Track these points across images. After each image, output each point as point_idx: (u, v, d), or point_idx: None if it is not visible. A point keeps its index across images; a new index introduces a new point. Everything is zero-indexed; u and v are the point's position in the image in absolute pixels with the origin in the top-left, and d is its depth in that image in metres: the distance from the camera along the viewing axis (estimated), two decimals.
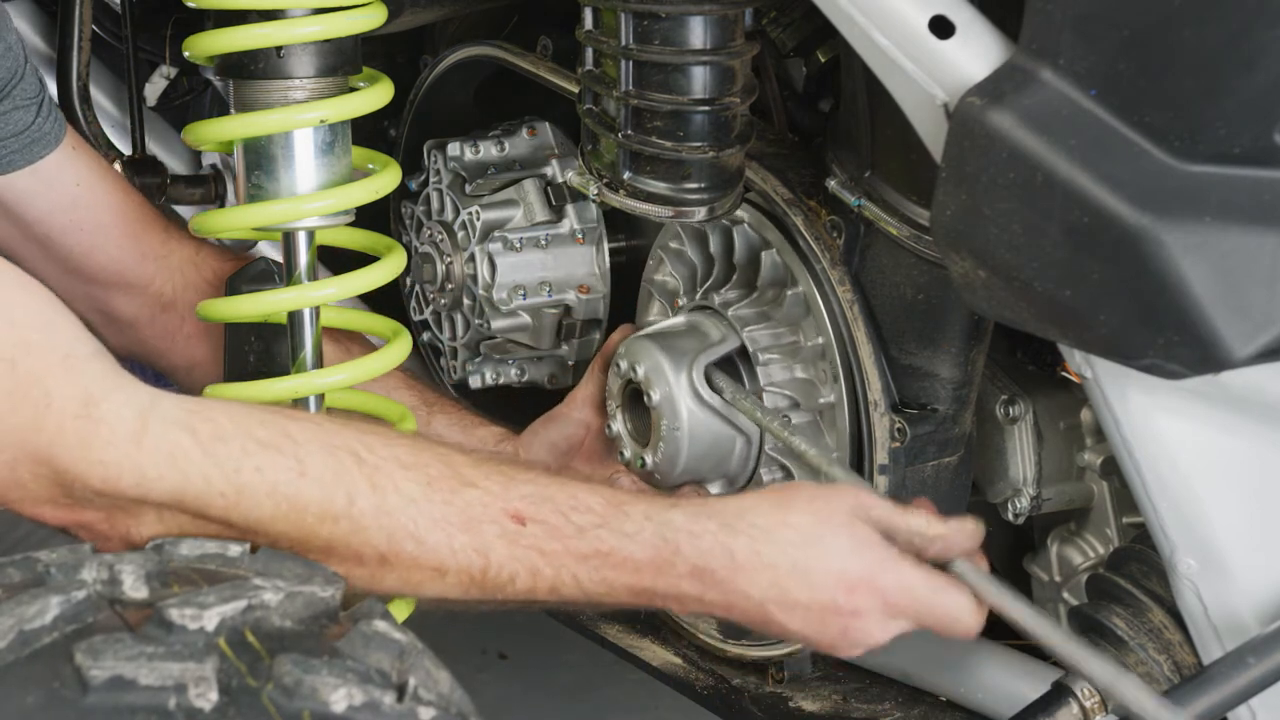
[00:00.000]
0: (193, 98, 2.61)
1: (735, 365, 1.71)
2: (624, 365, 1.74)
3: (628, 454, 1.77)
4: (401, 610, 1.53)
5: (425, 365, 2.19)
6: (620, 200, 1.63)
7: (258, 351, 1.65)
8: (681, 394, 1.69)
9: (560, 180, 1.98)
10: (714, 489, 1.77)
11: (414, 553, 1.25)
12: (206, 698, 0.98)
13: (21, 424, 1.17)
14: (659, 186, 1.60)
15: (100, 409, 1.18)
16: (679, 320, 1.77)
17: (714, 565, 1.30)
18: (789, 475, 1.73)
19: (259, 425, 1.22)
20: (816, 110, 1.83)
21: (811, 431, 1.68)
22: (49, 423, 1.17)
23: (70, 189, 1.72)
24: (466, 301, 1.99)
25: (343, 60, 1.59)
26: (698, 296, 1.76)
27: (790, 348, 1.69)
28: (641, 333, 1.77)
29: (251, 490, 1.20)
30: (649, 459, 1.73)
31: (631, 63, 1.57)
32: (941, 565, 1.37)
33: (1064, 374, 1.68)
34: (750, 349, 1.69)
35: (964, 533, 1.38)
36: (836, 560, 1.31)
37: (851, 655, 1.35)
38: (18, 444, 1.17)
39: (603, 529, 1.29)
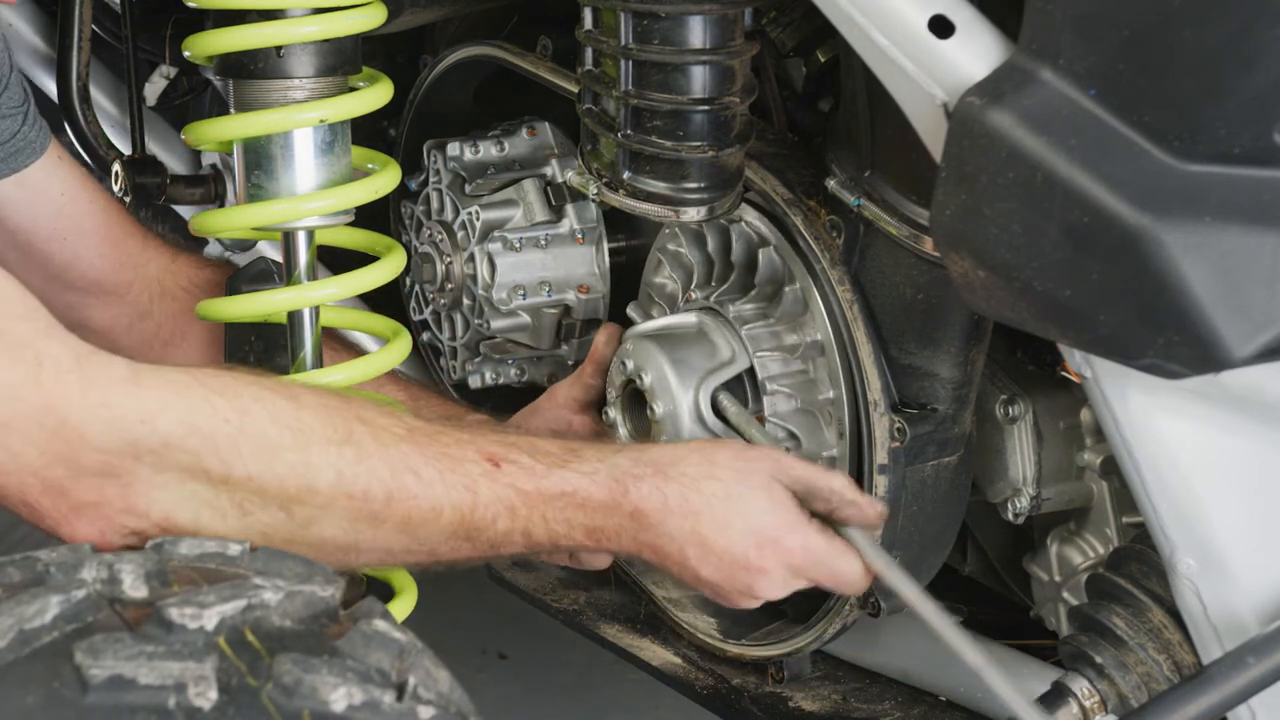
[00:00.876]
0: (193, 98, 2.61)
1: (740, 380, 1.71)
2: (629, 365, 1.74)
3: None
4: (401, 610, 1.53)
5: (425, 365, 2.19)
6: (620, 200, 1.63)
7: (258, 351, 1.65)
8: (685, 413, 1.69)
9: (560, 180, 1.98)
10: None
11: (414, 488, 1.28)
12: (206, 697, 0.98)
13: (17, 380, 1.17)
14: (658, 186, 1.60)
15: (92, 362, 1.20)
16: (688, 321, 1.76)
17: (649, 508, 1.38)
18: None
19: (243, 376, 1.27)
20: (816, 110, 1.83)
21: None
22: (45, 377, 1.17)
23: (55, 198, 1.73)
24: (466, 301, 1.99)
25: (342, 60, 1.59)
26: (711, 299, 1.75)
27: (801, 380, 1.68)
28: (648, 331, 1.76)
29: (255, 417, 1.22)
30: None
31: (631, 62, 1.57)
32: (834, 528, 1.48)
33: (1064, 374, 1.68)
34: (759, 375, 1.69)
35: (874, 508, 1.50)
36: (753, 517, 1.41)
37: (746, 607, 1.47)
38: (12, 400, 1.16)
39: (565, 470, 1.37)
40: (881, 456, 1.62)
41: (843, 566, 1.46)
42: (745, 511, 1.41)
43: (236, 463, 1.22)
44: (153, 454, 1.20)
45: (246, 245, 2.35)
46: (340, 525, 1.28)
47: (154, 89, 2.53)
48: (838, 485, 1.47)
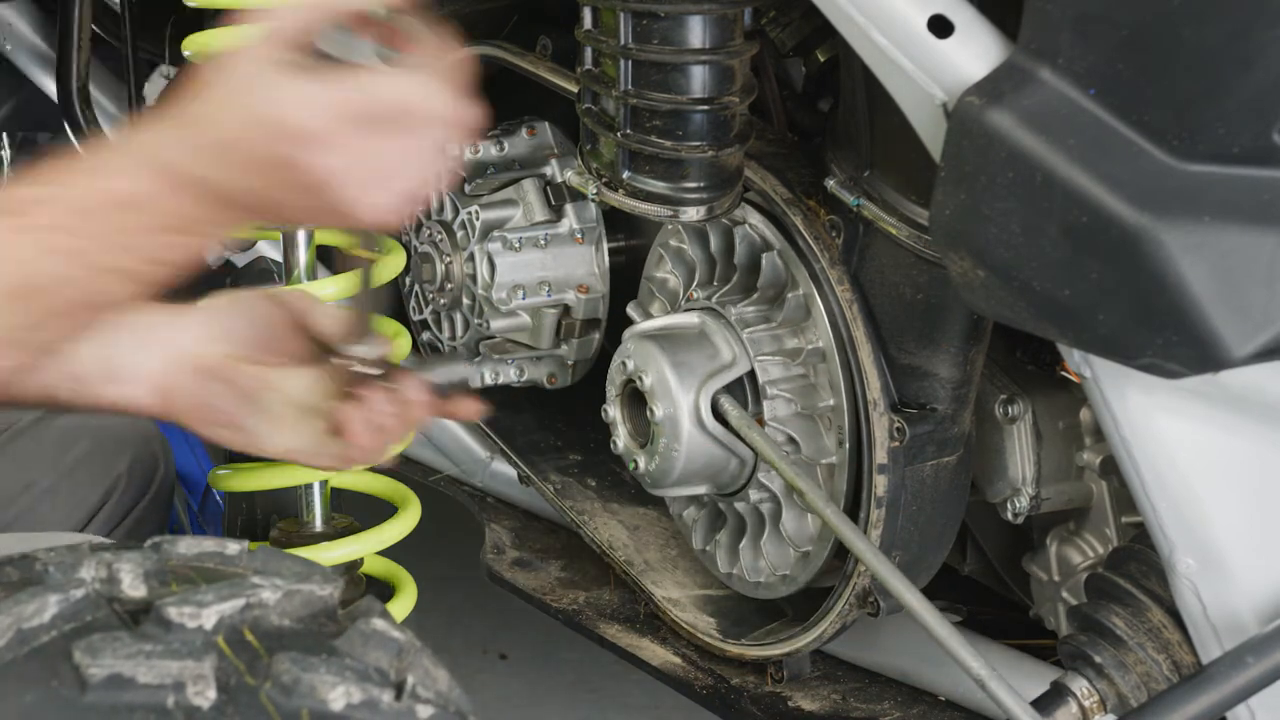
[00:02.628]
0: None
1: (740, 382, 1.72)
2: (630, 365, 1.74)
3: (621, 445, 1.78)
4: (400, 609, 1.54)
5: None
6: (619, 199, 1.63)
7: None
8: (685, 417, 1.69)
9: (559, 180, 1.98)
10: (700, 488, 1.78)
11: None
12: (205, 696, 0.98)
13: None
14: (658, 186, 1.60)
15: None
16: (690, 321, 1.76)
17: (189, 167, 1.16)
18: (776, 502, 1.74)
19: None
20: (816, 110, 1.83)
21: (809, 469, 1.68)
22: None
23: None
24: (466, 301, 1.99)
25: None
26: (713, 299, 1.75)
27: (802, 385, 1.69)
28: (649, 330, 1.76)
29: None
30: (642, 464, 1.74)
31: (631, 62, 1.57)
32: None
33: (1063, 373, 1.68)
34: (760, 379, 1.69)
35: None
36: (236, 114, 1.16)
37: (361, 212, 1.18)
38: None
39: (95, 179, 1.16)
40: (881, 456, 1.62)
41: (381, 86, 1.17)
42: (229, 112, 1.15)
43: None
44: None
45: (246, 245, 2.35)
46: None
47: (154, 89, 2.53)
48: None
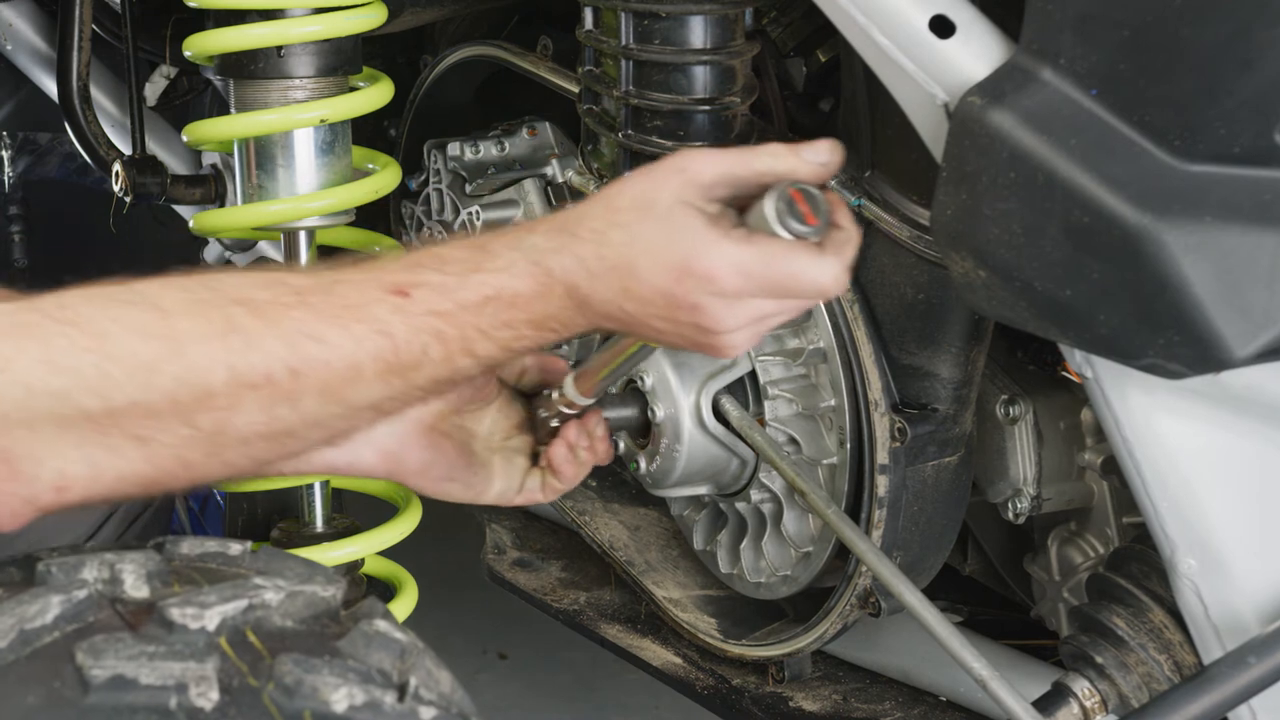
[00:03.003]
0: (193, 98, 2.61)
1: (741, 382, 1.72)
2: None
3: (621, 446, 1.78)
4: (402, 610, 1.54)
5: None
6: None
7: None
8: (686, 418, 1.69)
9: (560, 180, 1.98)
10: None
11: (320, 354, 1.17)
12: (207, 697, 0.98)
13: None
14: None
15: None
16: None
17: (576, 280, 1.23)
18: (777, 503, 1.74)
19: (95, 293, 1.16)
20: (816, 110, 1.83)
21: (810, 469, 1.68)
22: None
23: None
24: None
25: (343, 60, 1.59)
26: None
27: (803, 386, 1.68)
28: None
29: (117, 337, 1.12)
30: (643, 465, 1.74)
31: (632, 62, 1.57)
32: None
33: (1064, 374, 1.68)
34: (761, 379, 1.69)
35: (820, 152, 1.25)
36: (660, 254, 1.22)
37: (726, 352, 1.26)
38: None
39: (479, 273, 1.23)
40: (882, 457, 1.62)
41: (799, 267, 1.21)
42: (650, 251, 1.22)
43: (113, 392, 1.11)
44: (19, 407, 1.10)
45: (247, 245, 2.35)
46: (256, 417, 1.17)
47: (154, 89, 2.53)
48: (762, 164, 1.24)
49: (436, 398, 1.27)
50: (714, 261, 1.20)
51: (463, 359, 1.23)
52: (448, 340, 1.22)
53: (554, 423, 1.49)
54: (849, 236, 1.24)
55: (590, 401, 1.46)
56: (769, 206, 1.20)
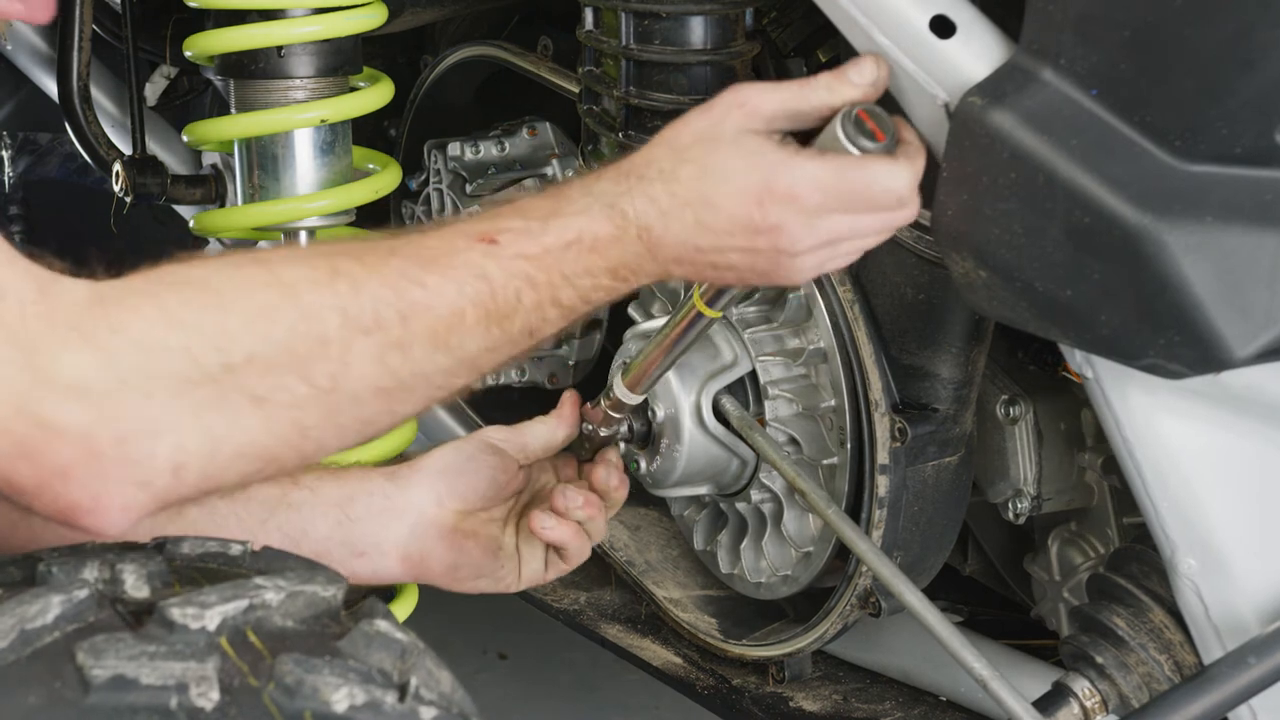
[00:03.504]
0: (193, 98, 2.61)
1: (742, 382, 1.72)
2: None
3: (622, 446, 1.78)
4: (402, 610, 1.54)
5: None
6: None
7: None
8: (686, 418, 1.69)
9: (561, 180, 1.98)
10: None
11: (424, 299, 1.17)
12: (208, 697, 0.98)
13: None
14: None
15: (54, 289, 1.07)
16: None
17: (649, 221, 1.25)
18: (778, 503, 1.74)
19: (204, 261, 1.16)
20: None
21: (810, 469, 1.68)
22: (7, 314, 1.05)
23: None
24: None
25: (343, 60, 1.59)
26: None
27: (803, 386, 1.68)
28: (650, 330, 1.76)
29: (232, 291, 1.11)
30: (643, 465, 1.74)
31: (632, 62, 1.57)
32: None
33: (1065, 374, 1.68)
34: (761, 379, 1.69)
35: (868, 69, 1.28)
36: (734, 180, 1.24)
37: (796, 277, 1.28)
38: None
39: (558, 217, 1.24)
40: (883, 457, 1.62)
41: (874, 175, 1.24)
42: (724, 179, 1.24)
43: (232, 345, 1.09)
44: (136, 370, 1.07)
45: (248, 245, 2.35)
46: (369, 369, 1.15)
47: (154, 89, 2.53)
48: (820, 90, 1.27)
49: (524, 357, 1.27)
50: (795, 177, 1.22)
51: (550, 308, 1.24)
52: (538, 286, 1.22)
53: (603, 432, 1.51)
54: (917, 148, 1.27)
55: (640, 399, 1.50)
56: (839, 128, 1.24)
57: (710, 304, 1.42)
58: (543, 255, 1.22)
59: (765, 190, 1.23)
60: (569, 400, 1.55)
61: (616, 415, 1.51)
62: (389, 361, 1.16)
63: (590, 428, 1.52)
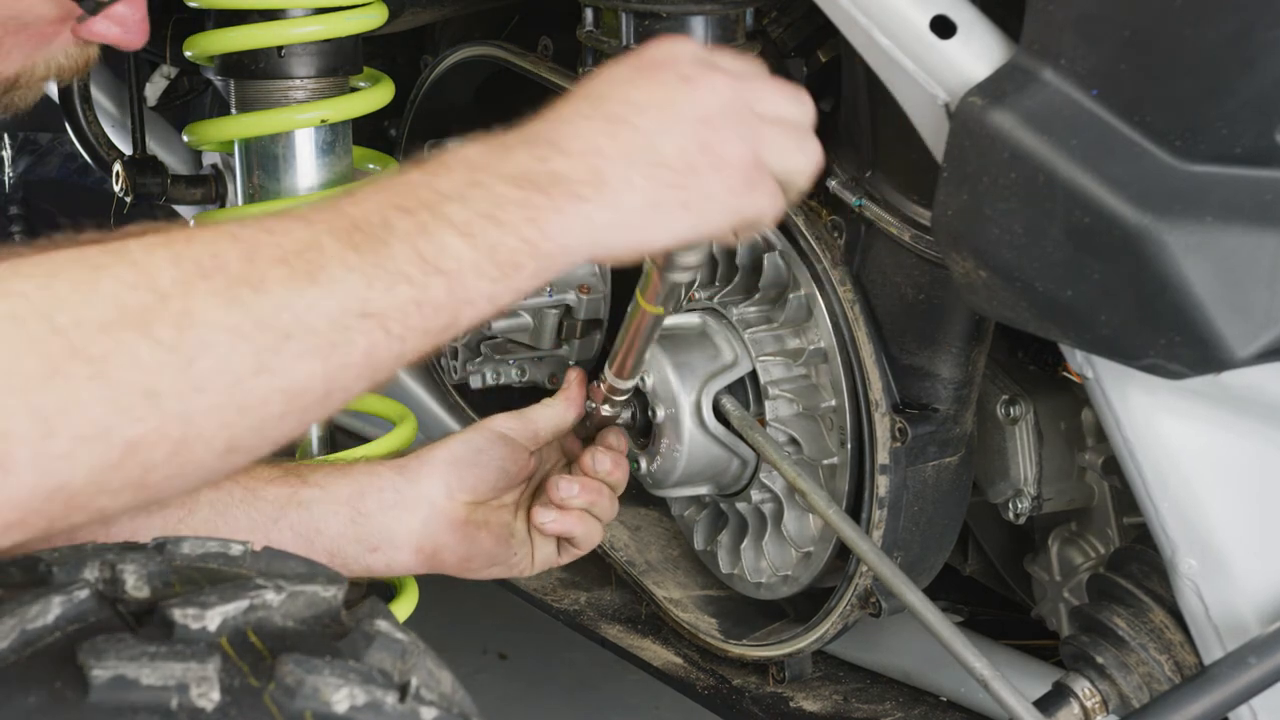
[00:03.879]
0: (193, 98, 2.62)
1: (742, 382, 1.72)
2: None
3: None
4: (403, 610, 1.54)
5: (426, 365, 2.19)
6: None
7: None
8: (687, 418, 1.69)
9: None
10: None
11: (270, 239, 1.03)
12: (209, 698, 0.98)
13: None
14: None
15: None
16: (691, 322, 1.76)
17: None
18: (778, 503, 1.74)
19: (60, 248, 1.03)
20: (818, 110, 1.83)
21: (810, 469, 1.68)
22: None
23: None
24: None
25: (343, 60, 1.59)
26: (715, 300, 1.75)
27: (803, 386, 1.68)
28: None
29: (66, 259, 0.99)
30: (644, 465, 1.74)
31: None
32: None
33: (1065, 374, 1.68)
34: (762, 380, 1.69)
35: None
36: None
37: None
38: None
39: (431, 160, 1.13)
40: (883, 457, 1.62)
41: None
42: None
43: (58, 308, 0.96)
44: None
45: None
46: (217, 313, 1.01)
47: (154, 89, 2.53)
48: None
49: (487, 312, 1.14)
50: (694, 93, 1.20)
51: (443, 232, 1.08)
52: (411, 210, 1.08)
53: (605, 410, 1.52)
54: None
55: (632, 383, 1.50)
56: None
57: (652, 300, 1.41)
58: (408, 184, 1.08)
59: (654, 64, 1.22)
60: (575, 380, 1.54)
61: (617, 398, 1.51)
62: (240, 298, 1.00)
63: (593, 405, 1.52)
